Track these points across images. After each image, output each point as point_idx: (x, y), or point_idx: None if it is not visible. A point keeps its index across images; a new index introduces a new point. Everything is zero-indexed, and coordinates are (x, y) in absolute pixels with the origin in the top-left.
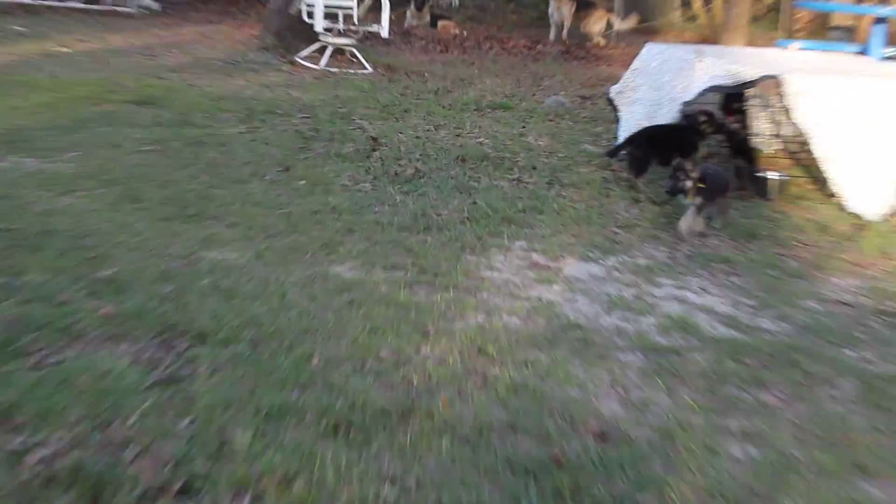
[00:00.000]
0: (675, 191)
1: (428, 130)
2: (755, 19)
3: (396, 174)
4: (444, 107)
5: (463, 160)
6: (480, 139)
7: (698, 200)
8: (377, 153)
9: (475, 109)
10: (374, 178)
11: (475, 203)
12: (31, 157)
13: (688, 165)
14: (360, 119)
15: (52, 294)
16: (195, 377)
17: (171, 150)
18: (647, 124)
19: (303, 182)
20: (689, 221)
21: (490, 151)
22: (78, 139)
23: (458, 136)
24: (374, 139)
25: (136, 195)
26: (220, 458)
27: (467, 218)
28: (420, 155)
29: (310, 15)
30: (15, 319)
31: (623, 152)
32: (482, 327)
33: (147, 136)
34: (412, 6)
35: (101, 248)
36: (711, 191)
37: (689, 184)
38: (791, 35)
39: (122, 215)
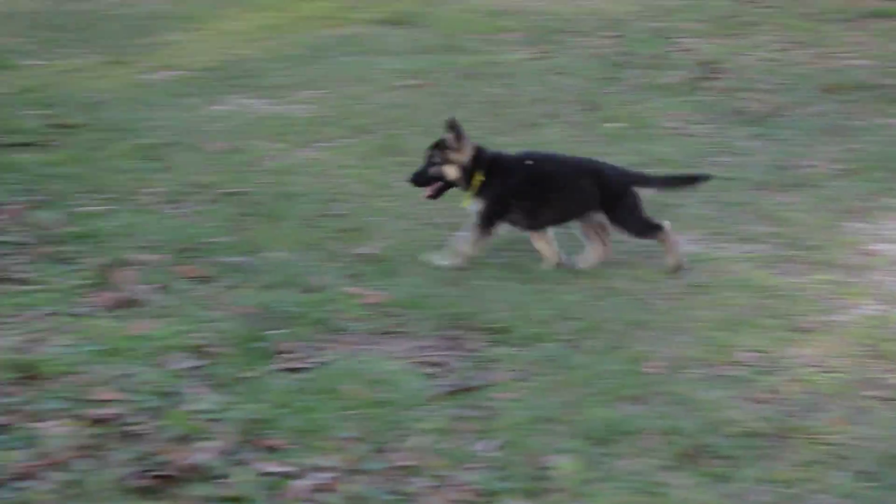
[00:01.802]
0: (422, 180)
1: (782, 50)
2: None
3: (741, 111)
4: (802, 16)
5: (832, 90)
6: (855, 60)
7: (480, 206)
8: (713, 83)
9: (847, 20)
10: (712, 118)
11: (854, 150)
12: (258, 96)
13: (449, 138)
14: (687, 37)
15: (301, 276)
16: (496, 385)
17: (437, 84)
18: None
19: (615, 124)
20: (462, 243)
21: (874, 78)
22: (314, 72)
23: (822, 56)
24: (708, 64)
25: (395, 145)
26: (536, 493)
27: (845, 170)
28: (773, 84)
29: None
30: (259, 309)
31: None
32: (876, 321)
33: (404, 66)
34: None
35: (357, 217)
36: (504, 193)
37: (449, 172)
38: None
39: (380, 173)
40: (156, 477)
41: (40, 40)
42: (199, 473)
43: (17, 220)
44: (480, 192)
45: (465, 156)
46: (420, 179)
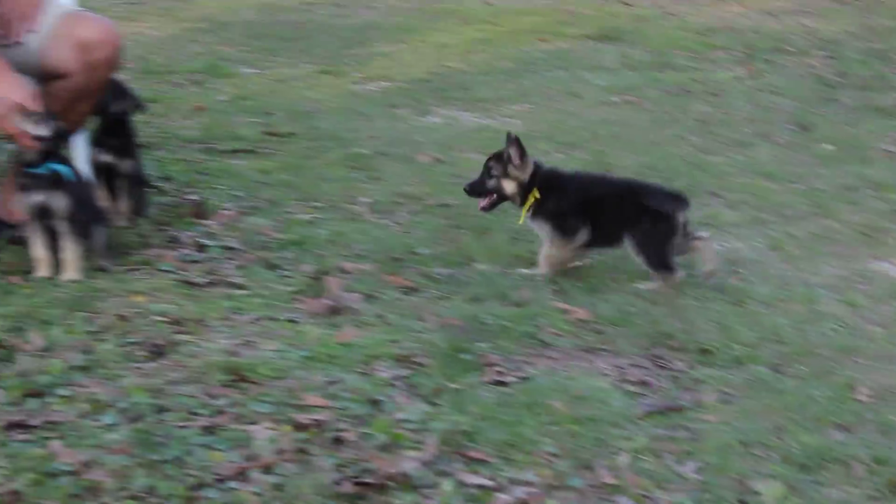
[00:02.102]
0: (479, 191)
1: None
2: None
3: None
4: None
5: None
6: None
7: (546, 228)
8: None
9: None
10: None
11: None
12: (466, 109)
13: (511, 153)
14: None
15: (507, 290)
16: (700, 407)
17: (647, 101)
18: None
19: (829, 146)
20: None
21: None
22: (524, 87)
23: None
24: None
25: (603, 162)
26: None
27: None
28: None
29: None
30: (466, 321)
31: None
32: None
33: (614, 82)
34: None
35: None
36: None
37: (508, 187)
38: None
39: None
40: (360, 484)
41: (256, 49)
42: (403, 482)
43: (232, 226)
44: (538, 211)
45: (525, 173)
46: (477, 190)
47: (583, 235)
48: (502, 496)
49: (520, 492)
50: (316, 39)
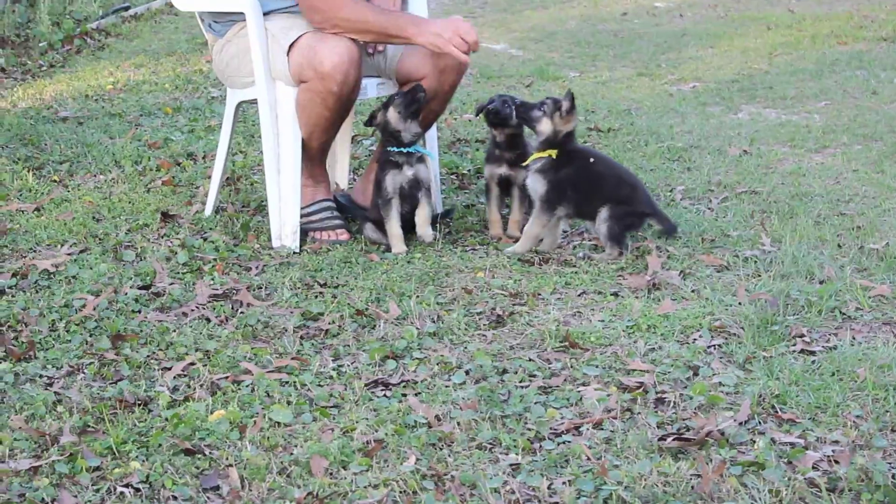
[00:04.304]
0: (521, 114)
1: None
2: None
3: None
4: None
5: None
6: None
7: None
8: None
9: None
10: None
11: None
12: (770, 107)
13: (565, 104)
14: None
15: (811, 268)
16: None
17: None
18: None
19: None
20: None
21: None
22: (824, 86)
23: None
24: None
25: None
26: None
27: None
28: None
29: None
30: (774, 297)
31: None
32: None
33: None
34: None
35: (865, 217)
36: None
37: (544, 128)
38: None
39: (887, 178)
40: (681, 439)
41: (579, 55)
42: (720, 439)
43: None
44: (544, 169)
45: (563, 128)
46: (522, 113)
47: (562, 211)
48: (812, 453)
49: (828, 450)
50: (632, 45)
